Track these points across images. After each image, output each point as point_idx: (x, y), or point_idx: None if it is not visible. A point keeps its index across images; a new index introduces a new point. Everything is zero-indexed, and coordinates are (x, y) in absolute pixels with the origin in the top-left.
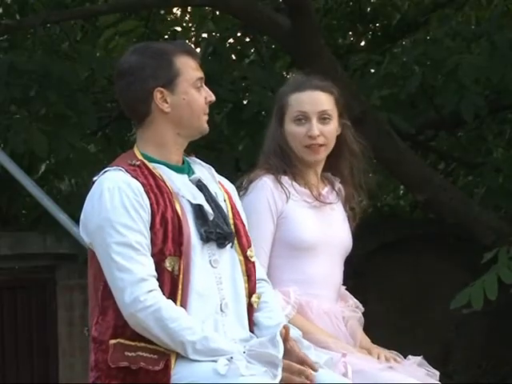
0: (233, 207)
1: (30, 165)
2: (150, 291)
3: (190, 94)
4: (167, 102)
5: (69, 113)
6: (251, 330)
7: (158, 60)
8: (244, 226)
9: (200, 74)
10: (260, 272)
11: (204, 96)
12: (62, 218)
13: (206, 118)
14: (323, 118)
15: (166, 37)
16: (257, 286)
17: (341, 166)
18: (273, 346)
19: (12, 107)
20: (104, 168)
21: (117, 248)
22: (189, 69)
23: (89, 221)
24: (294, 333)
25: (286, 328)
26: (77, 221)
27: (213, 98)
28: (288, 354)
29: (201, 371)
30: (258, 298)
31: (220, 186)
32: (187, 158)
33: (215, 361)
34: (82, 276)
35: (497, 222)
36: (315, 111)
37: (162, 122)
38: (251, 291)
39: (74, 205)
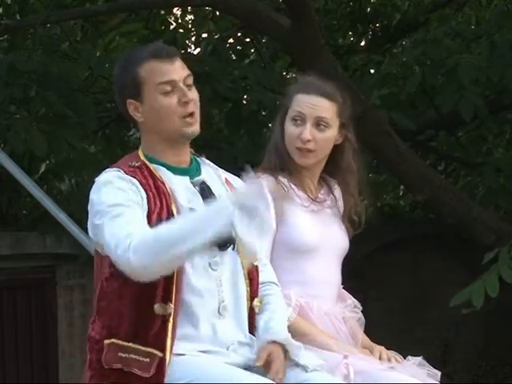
0: None
1: (30, 165)
2: (132, 237)
3: (156, 100)
4: (139, 112)
5: (69, 113)
6: (252, 333)
7: (125, 72)
8: None
9: (168, 77)
10: (270, 275)
11: (176, 99)
12: (62, 217)
13: (187, 121)
14: (319, 124)
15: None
16: (264, 288)
17: (336, 176)
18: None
19: (12, 107)
20: (105, 168)
21: (110, 221)
22: (153, 75)
23: (91, 215)
24: (284, 336)
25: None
26: (76, 221)
27: (188, 97)
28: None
29: (198, 369)
30: (260, 302)
31: (227, 187)
32: (197, 158)
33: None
34: (82, 276)
35: (497, 222)
36: (312, 116)
37: (144, 129)
38: (253, 295)
39: (73, 205)
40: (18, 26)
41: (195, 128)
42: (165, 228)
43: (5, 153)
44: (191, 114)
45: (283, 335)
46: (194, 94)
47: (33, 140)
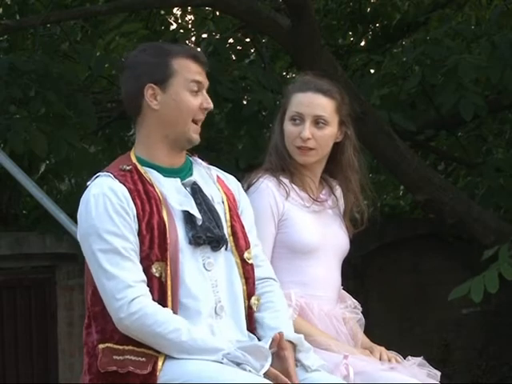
0: (231, 209)
1: (30, 165)
2: (135, 298)
3: (182, 95)
4: (157, 100)
5: (69, 113)
6: (252, 331)
7: (156, 58)
8: (243, 227)
9: (199, 77)
10: (268, 271)
11: (200, 101)
12: (62, 218)
13: (196, 127)
14: (318, 122)
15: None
16: (262, 284)
17: (337, 174)
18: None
19: (12, 107)
20: (99, 171)
21: (102, 255)
22: (186, 71)
23: (79, 226)
24: (296, 335)
25: (280, 334)
26: (76, 221)
27: (210, 105)
28: (278, 361)
29: (192, 371)
30: (258, 300)
31: (220, 186)
32: (191, 158)
33: (205, 359)
34: (81, 276)
35: (497, 222)
36: (310, 114)
37: (151, 120)
38: (250, 293)
39: (73, 205)
40: (17, 26)
41: (198, 137)
42: (171, 323)
43: (5, 153)
44: (200, 122)
45: (292, 335)
46: None
47: (33, 140)
